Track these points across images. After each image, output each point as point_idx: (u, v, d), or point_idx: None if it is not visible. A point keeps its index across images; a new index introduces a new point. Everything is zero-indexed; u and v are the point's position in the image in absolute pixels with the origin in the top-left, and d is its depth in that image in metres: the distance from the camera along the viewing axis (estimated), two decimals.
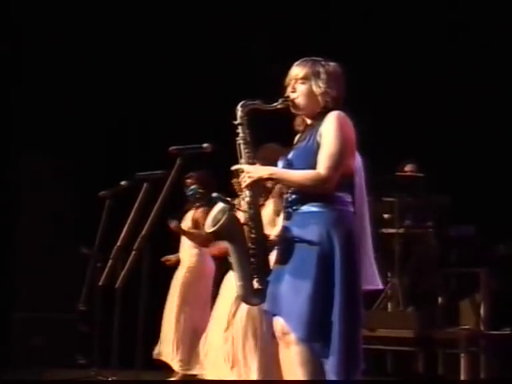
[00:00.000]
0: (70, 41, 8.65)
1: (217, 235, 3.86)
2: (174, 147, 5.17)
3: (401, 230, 7.12)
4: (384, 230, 7.19)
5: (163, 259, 7.25)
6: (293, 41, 7.74)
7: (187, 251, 7.18)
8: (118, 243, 5.56)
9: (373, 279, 4.15)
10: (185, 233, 7.08)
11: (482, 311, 6.84)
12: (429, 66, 8.10)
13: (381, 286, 4.44)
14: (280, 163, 3.85)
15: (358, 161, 4.33)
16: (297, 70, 3.81)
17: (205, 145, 5.12)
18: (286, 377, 3.75)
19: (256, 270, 3.72)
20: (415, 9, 8.17)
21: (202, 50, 8.56)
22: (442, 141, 7.84)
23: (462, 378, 6.36)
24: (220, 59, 8.51)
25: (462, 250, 7.14)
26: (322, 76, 3.77)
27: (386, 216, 7.34)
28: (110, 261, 5.67)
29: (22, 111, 8.62)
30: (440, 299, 7.09)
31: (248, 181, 3.72)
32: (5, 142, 8.50)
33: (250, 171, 3.72)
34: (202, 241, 6.90)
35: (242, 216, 3.80)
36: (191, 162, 6.01)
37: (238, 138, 3.83)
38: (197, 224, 7.06)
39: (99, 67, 8.73)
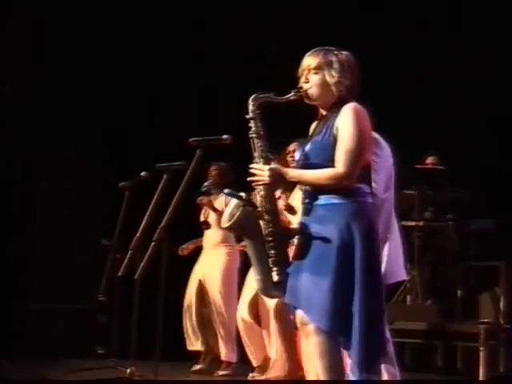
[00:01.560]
0: (89, 38, 8.68)
1: (232, 230, 3.86)
2: (194, 138, 5.17)
3: (420, 223, 7.11)
4: (404, 223, 7.17)
5: (180, 251, 7.31)
6: (309, 32, 7.72)
7: (215, 247, 7.26)
8: (138, 234, 5.58)
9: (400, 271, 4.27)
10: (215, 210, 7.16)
11: (501, 305, 6.82)
12: (451, 58, 8.07)
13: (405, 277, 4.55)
14: (297, 154, 3.83)
15: (388, 154, 4.36)
16: (309, 60, 3.78)
17: (224, 136, 5.12)
18: (307, 367, 3.76)
19: (275, 263, 3.70)
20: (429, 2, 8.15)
21: (220, 41, 8.56)
22: (463, 134, 7.80)
23: (481, 371, 6.34)
24: (239, 50, 8.51)
25: (482, 243, 7.12)
26: (335, 65, 3.73)
27: (405, 208, 7.32)
28: (130, 252, 5.68)
29: (42, 107, 8.65)
30: (459, 293, 7.07)
31: (268, 183, 3.69)
32: (25, 136, 8.53)
33: (269, 173, 3.69)
34: None
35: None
36: (211, 153, 6.02)
37: (250, 132, 3.81)
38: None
39: (117, 60, 8.75)
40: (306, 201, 3.75)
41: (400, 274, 4.57)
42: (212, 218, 7.28)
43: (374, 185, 4.31)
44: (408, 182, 7.04)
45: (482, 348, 6.37)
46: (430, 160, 7.37)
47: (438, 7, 8.14)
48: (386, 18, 8.23)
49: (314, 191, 3.71)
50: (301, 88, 3.77)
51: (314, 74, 3.76)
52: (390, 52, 8.05)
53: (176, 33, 8.72)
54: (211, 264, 7.28)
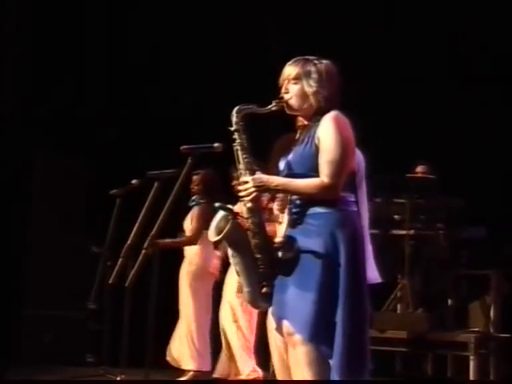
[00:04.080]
0: (88, 40, 8.70)
1: (221, 243, 3.86)
2: (185, 146, 5.17)
3: (411, 232, 7.10)
4: (394, 232, 7.18)
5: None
6: (307, 41, 7.72)
7: (191, 248, 7.20)
8: (129, 242, 5.56)
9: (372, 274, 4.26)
10: (170, 245, 7.02)
11: (492, 313, 6.83)
12: (442, 66, 8.09)
13: (379, 280, 4.54)
14: (281, 165, 3.84)
15: (359, 160, 4.34)
16: (289, 70, 3.78)
17: (216, 144, 5.12)
18: (294, 377, 3.75)
19: (263, 275, 3.71)
20: (428, 13, 8.15)
21: (214, 49, 8.56)
22: (453, 142, 7.81)
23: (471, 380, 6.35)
24: (233, 58, 8.51)
25: (473, 251, 7.12)
26: (314, 75, 3.73)
27: (396, 217, 7.32)
28: (121, 259, 5.66)
29: (34, 111, 8.65)
30: (450, 301, 7.08)
31: (254, 193, 3.68)
32: (17, 141, 8.52)
33: (255, 183, 3.68)
34: (188, 242, 7.11)
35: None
36: (202, 161, 6.01)
37: (234, 144, 3.81)
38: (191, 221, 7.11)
39: (111, 65, 8.75)
40: (292, 212, 3.75)
41: (372, 276, 4.57)
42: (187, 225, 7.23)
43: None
44: (399, 190, 7.05)
45: (472, 357, 6.37)
46: (419, 169, 7.37)
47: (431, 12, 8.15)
48: (380, 27, 8.24)
49: (299, 201, 3.71)
50: (281, 98, 3.78)
51: (293, 84, 3.76)
52: (382, 59, 8.06)
53: (171, 37, 8.72)
54: (183, 269, 7.23)
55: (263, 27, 8.48)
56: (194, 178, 7.22)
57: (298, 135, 3.88)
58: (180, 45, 8.70)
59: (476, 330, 6.75)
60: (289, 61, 3.88)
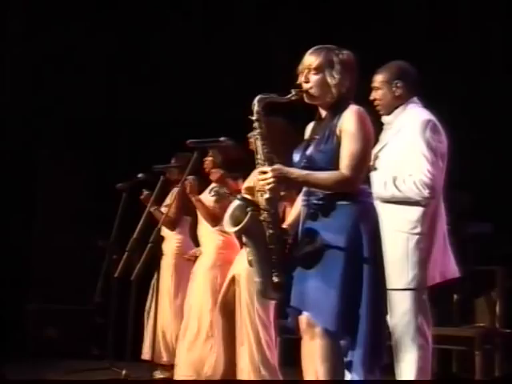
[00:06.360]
0: (87, 38, 8.71)
1: (238, 233, 3.81)
2: (191, 140, 5.17)
3: None
4: None
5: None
6: (308, 34, 7.71)
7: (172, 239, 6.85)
8: (134, 235, 5.58)
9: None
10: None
11: (497, 309, 6.81)
12: (443, 62, 8.07)
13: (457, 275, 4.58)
14: (296, 156, 3.80)
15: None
16: (310, 60, 3.75)
17: (222, 138, 5.13)
18: (306, 370, 3.75)
19: (275, 266, 3.69)
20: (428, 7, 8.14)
21: (217, 44, 8.55)
22: (460, 137, 7.79)
23: (477, 376, 6.33)
24: (237, 52, 8.50)
25: (479, 247, 7.11)
26: (336, 66, 3.71)
27: None
28: (126, 253, 5.69)
29: (40, 105, 8.66)
30: (455, 296, 7.06)
31: (273, 184, 3.63)
32: (22, 136, 8.53)
33: (275, 173, 3.62)
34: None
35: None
36: (208, 155, 6.02)
37: (254, 134, 3.78)
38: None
39: (111, 63, 8.77)
40: (313, 204, 3.71)
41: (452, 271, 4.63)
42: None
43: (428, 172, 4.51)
44: None
45: (477, 352, 6.36)
46: None
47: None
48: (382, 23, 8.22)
49: (320, 194, 3.69)
50: (300, 87, 3.75)
51: (314, 74, 3.74)
52: (382, 56, 8.04)
53: (172, 34, 8.72)
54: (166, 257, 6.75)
55: (266, 25, 8.47)
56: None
57: (312, 127, 3.87)
58: (180, 44, 8.69)
59: (481, 325, 6.74)
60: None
